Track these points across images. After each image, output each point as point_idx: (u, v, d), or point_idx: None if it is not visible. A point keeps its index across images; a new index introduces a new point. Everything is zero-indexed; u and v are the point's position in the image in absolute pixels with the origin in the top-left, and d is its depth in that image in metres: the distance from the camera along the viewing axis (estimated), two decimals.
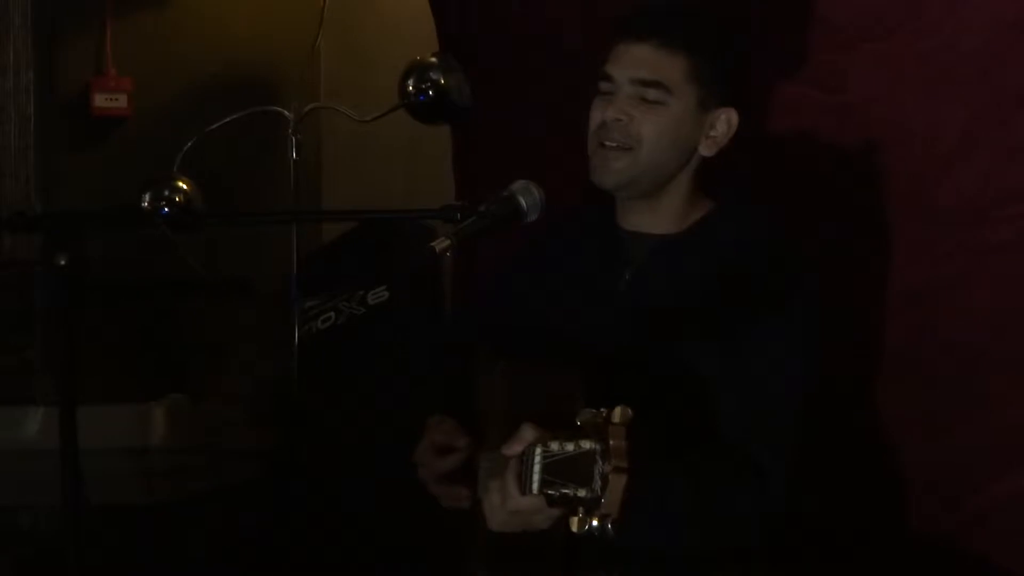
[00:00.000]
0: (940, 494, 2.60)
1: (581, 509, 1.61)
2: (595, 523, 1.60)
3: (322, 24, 3.95)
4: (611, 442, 1.60)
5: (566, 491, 1.62)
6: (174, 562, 3.20)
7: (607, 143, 2.24)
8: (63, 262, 1.94)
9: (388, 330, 3.51)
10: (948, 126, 2.54)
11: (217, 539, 3.27)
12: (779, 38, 2.69)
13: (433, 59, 3.31)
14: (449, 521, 2.32)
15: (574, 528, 1.61)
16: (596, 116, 2.27)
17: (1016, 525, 2.52)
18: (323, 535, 3.25)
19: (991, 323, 2.52)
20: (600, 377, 2.04)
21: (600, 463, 1.59)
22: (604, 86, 2.26)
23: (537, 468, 1.67)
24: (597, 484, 1.59)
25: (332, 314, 3.55)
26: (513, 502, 1.82)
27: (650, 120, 2.22)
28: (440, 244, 1.99)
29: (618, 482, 1.59)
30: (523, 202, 2.13)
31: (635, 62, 2.22)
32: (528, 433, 1.80)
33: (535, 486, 1.68)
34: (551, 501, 1.66)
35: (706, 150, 2.27)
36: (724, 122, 2.26)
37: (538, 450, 1.67)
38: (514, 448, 1.81)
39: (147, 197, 3.35)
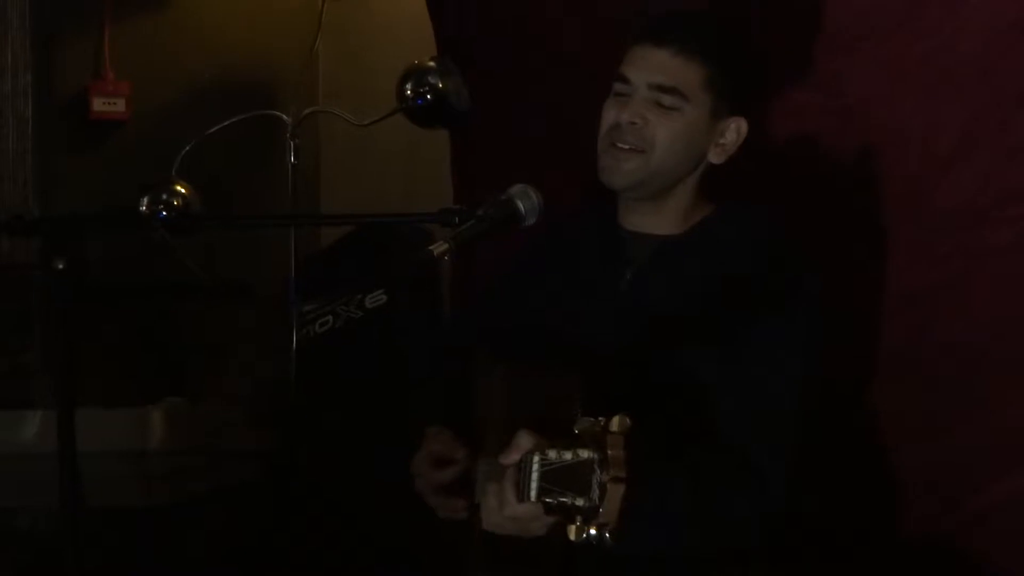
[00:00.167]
0: (940, 494, 2.61)
1: (579, 517, 1.61)
2: (593, 532, 1.60)
3: (320, 28, 3.96)
4: (609, 451, 1.60)
5: (564, 500, 1.62)
6: (173, 564, 3.19)
7: (619, 144, 2.25)
8: (61, 266, 1.94)
9: (386, 334, 3.51)
10: (947, 127, 2.55)
11: (216, 541, 3.27)
12: (778, 41, 2.70)
13: (431, 63, 3.31)
14: (447, 526, 2.32)
15: (571, 536, 1.61)
16: (610, 117, 2.28)
17: (1016, 525, 2.52)
18: (322, 537, 3.25)
19: (990, 324, 2.53)
20: (600, 377, 2.04)
21: (598, 472, 1.59)
22: (620, 87, 2.28)
23: (535, 476, 1.66)
24: (595, 493, 1.59)
25: (330, 318, 3.55)
26: (510, 509, 1.82)
27: (665, 125, 2.23)
28: (438, 248, 2.00)
29: (616, 492, 1.59)
30: (521, 206, 2.13)
31: (654, 67, 2.24)
32: (525, 441, 1.80)
33: (533, 494, 1.67)
34: (549, 509, 1.66)
35: (715, 157, 2.29)
36: (734, 131, 2.28)
37: (536, 458, 1.67)
38: (511, 456, 1.81)
39: (145, 201, 3.35)
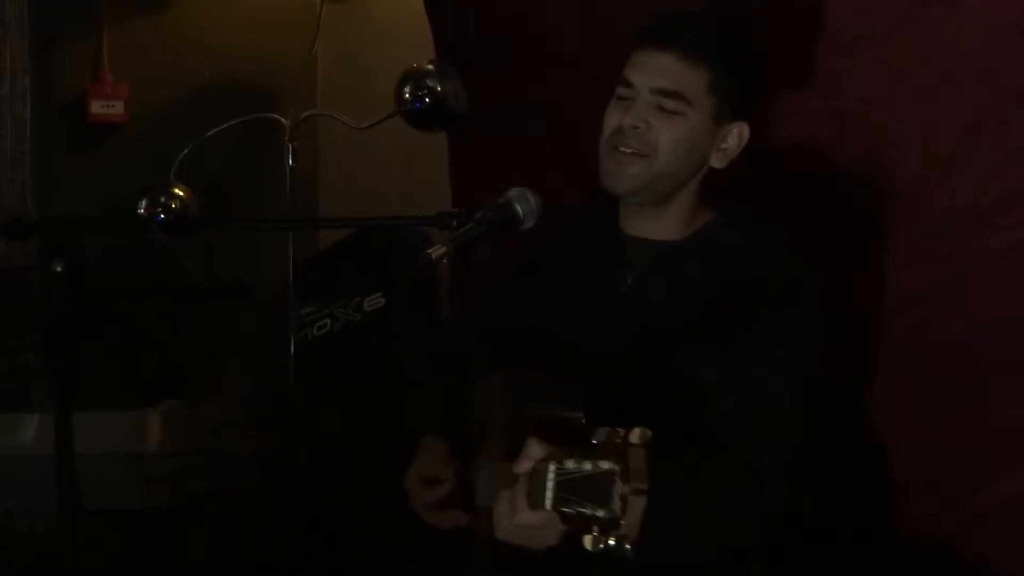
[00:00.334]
0: (939, 494, 2.61)
1: (596, 528, 1.60)
2: (611, 542, 1.59)
3: (319, 31, 3.97)
4: (631, 463, 1.59)
5: (583, 510, 1.61)
6: (172, 566, 3.20)
7: (622, 148, 2.25)
8: (59, 268, 1.95)
9: (384, 337, 3.51)
10: (947, 128, 2.54)
11: (215, 543, 3.27)
12: (778, 42, 2.70)
13: (429, 66, 3.31)
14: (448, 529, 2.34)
15: (587, 546, 1.60)
16: (613, 120, 2.27)
17: (1016, 525, 2.52)
18: (321, 539, 3.25)
19: (990, 325, 2.53)
20: (600, 380, 2.04)
21: (619, 484, 1.59)
22: (623, 91, 2.27)
23: (550, 486, 1.66)
24: (617, 505, 1.59)
25: (328, 321, 3.56)
26: (521, 516, 1.81)
27: (667, 129, 2.23)
28: (436, 251, 2.00)
29: (638, 504, 1.58)
30: (519, 209, 2.13)
31: (657, 71, 2.23)
32: (536, 449, 1.79)
33: (548, 503, 1.66)
34: (565, 519, 1.65)
35: (717, 162, 2.29)
36: (736, 135, 2.28)
37: (552, 467, 1.66)
38: (523, 465, 1.80)
39: (143, 203, 3.35)
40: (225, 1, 4.05)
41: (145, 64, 3.87)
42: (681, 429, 2.09)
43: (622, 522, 1.59)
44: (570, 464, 1.64)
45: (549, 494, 1.66)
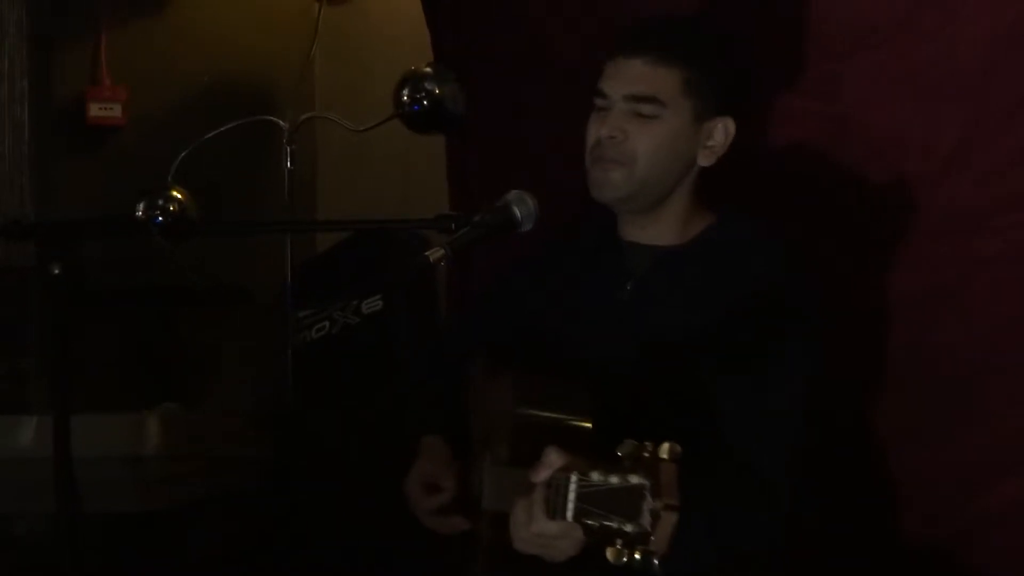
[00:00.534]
0: (939, 498, 2.60)
1: (619, 541, 1.59)
2: (637, 556, 1.58)
3: (317, 34, 3.97)
4: (662, 479, 1.58)
5: (608, 524, 1.60)
6: (170, 569, 3.19)
7: (603, 158, 2.23)
8: (57, 271, 1.95)
9: (383, 340, 3.51)
10: (946, 131, 2.54)
11: (213, 546, 3.27)
12: (775, 48, 2.70)
13: (428, 69, 3.31)
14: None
15: (611, 558, 1.59)
16: (592, 132, 2.26)
17: (1016, 529, 2.52)
18: (319, 542, 3.25)
19: (990, 328, 2.53)
20: (602, 387, 2.04)
21: (649, 499, 1.57)
22: (599, 102, 2.26)
23: (572, 497, 1.64)
24: (646, 520, 1.57)
25: (326, 323, 3.56)
26: (539, 525, 1.78)
27: (645, 136, 2.21)
28: (434, 254, 2.00)
29: (669, 519, 1.57)
30: (517, 212, 2.14)
31: (628, 78, 2.22)
32: (555, 458, 1.77)
33: (569, 514, 1.65)
34: (589, 531, 1.63)
35: (704, 160, 2.26)
36: (721, 131, 2.25)
37: (573, 478, 1.65)
38: (541, 474, 1.77)
39: (141, 206, 3.35)
40: (223, 4, 4.05)
41: (143, 67, 3.88)
42: (684, 436, 2.08)
43: (652, 538, 1.58)
44: (595, 476, 1.62)
45: (571, 505, 1.65)
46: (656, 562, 1.58)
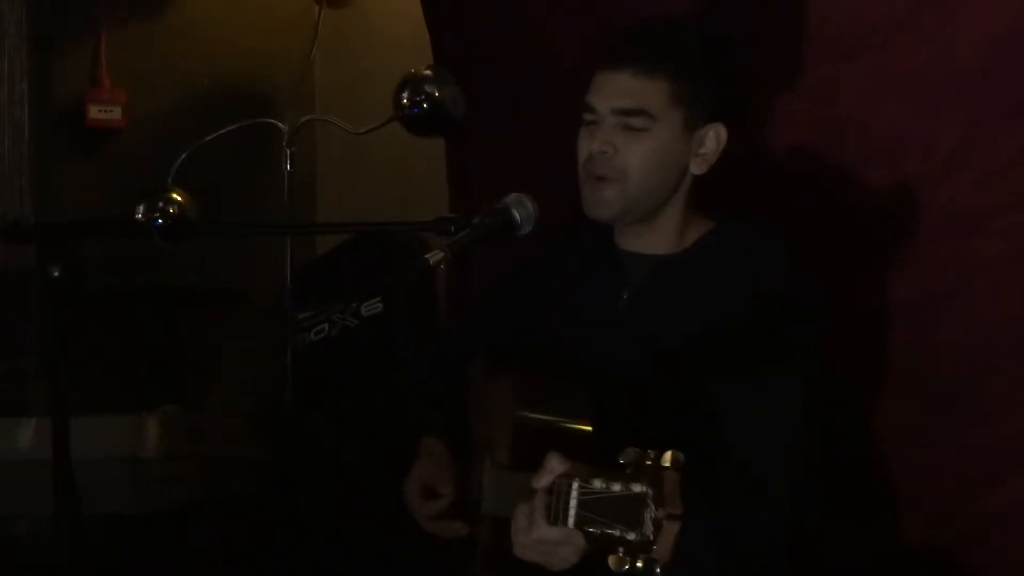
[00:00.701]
0: (940, 500, 2.60)
1: (621, 549, 1.59)
2: (640, 564, 1.58)
3: (317, 36, 3.97)
4: (665, 488, 1.58)
5: (610, 531, 1.60)
6: (167, 571, 3.20)
7: (595, 175, 2.21)
8: (57, 272, 1.95)
9: (382, 342, 3.51)
10: (945, 134, 2.54)
11: (211, 548, 3.28)
12: (773, 51, 2.70)
13: (427, 72, 3.31)
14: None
15: (612, 566, 1.59)
16: (583, 147, 2.24)
17: (1017, 531, 2.52)
18: (317, 544, 3.25)
19: (990, 330, 2.53)
20: (600, 391, 2.03)
21: (652, 508, 1.57)
22: (588, 116, 2.23)
23: (574, 504, 1.64)
24: (648, 529, 1.57)
25: (325, 325, 3.56)
26: (540, 531, 1.78)
27: (635, 150, 2.19)
28: (434, 256, 2.00)
29: (672, 528, 1.57)
30: (516, 214, 2.14)
31: (615, 91, 2.19)
32: (556, 464, 1.76)
33: (571, 521, 1.65)
34: (591, 539, 1.63)
35: (697, 168, 2.24)
36: (713, 138, 2.23)
37: (575, 485, 1.65)
38: (543, 480, 1.77)
39: (141, 208, 3.35)
40: (223, 6, 4.05)
41: (143, 69, 3.88)
42: (686, 440, 2.07)
43: (654, 547, 1.57)
44: (597, 483, 1.62)
45: (572, 512, 1.65)
46: (658, 570, 1.58)
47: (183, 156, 3.42)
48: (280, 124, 3.49)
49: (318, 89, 4.22)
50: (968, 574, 2.58)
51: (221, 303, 3.92)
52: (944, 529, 2.60)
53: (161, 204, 3.33)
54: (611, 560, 1.59)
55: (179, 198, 3.36)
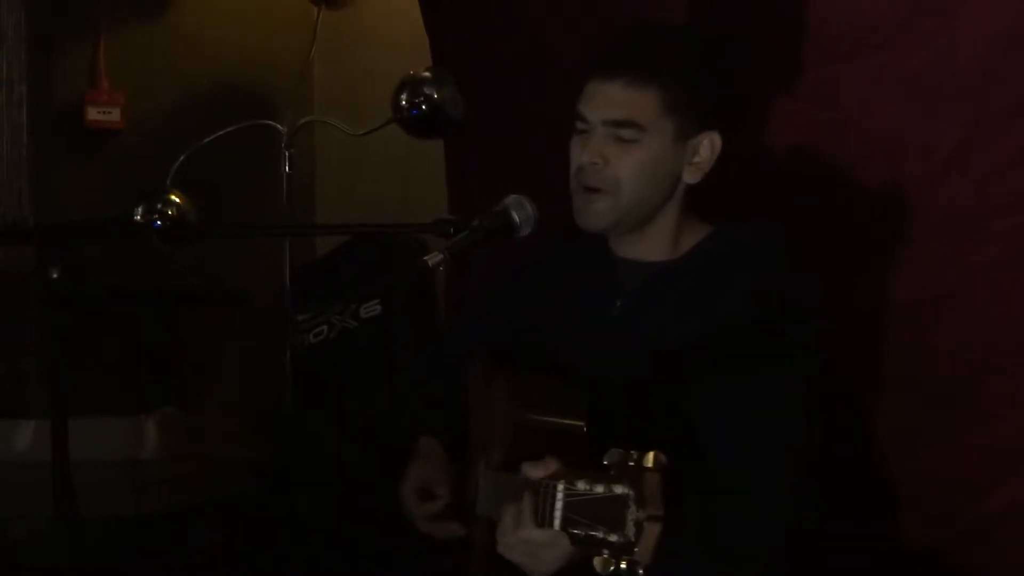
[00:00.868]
0: (940, 501, 2.60)
1: (606, 551, 1.59)
2: (623, 566, 1.58)
3: (315, 38, 3.96)
4: (646, 490, 1.58)
5: (594, 533, 1.60)
6: (167, 572, 3.20)
7: (586, 184, 2.19)
8: (56, 274, 1.95)
9: (381, 344, 3.51)
10: (944, 135, 2.54)
11: (210, 550, 3.27)
12: (772, 52, 2.70)
13: (426, 73, 3.31)
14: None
15: (598, 568, 1.59)
16: (574, 158, 2.22)
17: (1017, 532, 2.52)
18: (317, 546, 3.25)
19: (990, 332, 2.53)
20: (597, 393, 2.03)
21: (633, 509, 1.57)
22: (579, 125, 2.22)
23: (559, 505, 1.64)
24: (631, 530, 1.57)
25: (324, 327, 3.55)
26: (526, 531, 1.78)
27: (626, 161, 2.16)
28: (433, 258, 2.00)
29: (653, 530, 1.57)
30: (516, 216, 2.14)
31: (605, 102, 2.17)
32: (551, 463, 1.77)
33: (557, 522, 1.65)
34: (575, 541, 1.63)
35: (690, 177, 2.22)
36: (707, 147, 2.21)
37: (560, 486, 1.65)
38: (537, 472, 1.77)
39: (140, 210, 3.35)
40: (222, 8, 4.05)
41: (142, 71, 3.88)
42: (683, 443, 2.07)
43: (636, 548, 1.57)
44: (581, 485, 1.62)
45: (558, 514, 1.65)
46: (640, 572, 1.58)
47: (182, 157, 3.42)
48: (279, 125, 3.50)
49: (317, 90, 4.22)
50: (968, 574, 2.58)
51: (220, 304, 3.92)
52: (944, 529, 2.60)
53: (160, 206, 3.34)
54: (596, 562, 1.60)
55: (178, 199, 3.37)
